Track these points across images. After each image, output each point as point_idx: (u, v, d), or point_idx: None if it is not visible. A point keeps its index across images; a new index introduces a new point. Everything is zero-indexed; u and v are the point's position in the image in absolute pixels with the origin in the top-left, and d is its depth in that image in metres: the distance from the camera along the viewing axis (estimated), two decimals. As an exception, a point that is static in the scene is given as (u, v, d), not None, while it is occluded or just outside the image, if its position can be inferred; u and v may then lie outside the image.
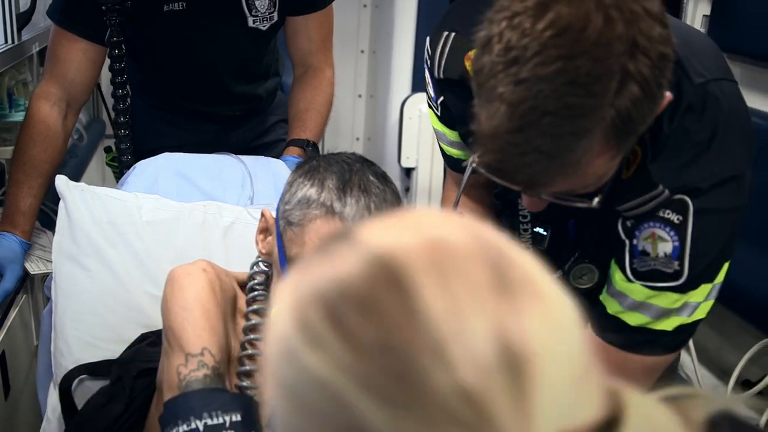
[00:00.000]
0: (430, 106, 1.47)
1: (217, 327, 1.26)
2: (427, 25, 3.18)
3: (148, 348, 1.48)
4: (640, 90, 0.95)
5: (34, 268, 1.82)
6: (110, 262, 1.55)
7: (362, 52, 3.47)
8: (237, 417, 1.17)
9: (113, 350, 1.49)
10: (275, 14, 1.96)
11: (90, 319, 1.52)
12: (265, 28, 1.97)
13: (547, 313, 0.54)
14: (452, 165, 1.52)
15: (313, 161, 1.28)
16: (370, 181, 1.23)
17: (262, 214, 1.33)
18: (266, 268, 1.36)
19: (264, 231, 1.33)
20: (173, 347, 1.24)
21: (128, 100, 1.91)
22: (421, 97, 3.11)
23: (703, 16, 2.15)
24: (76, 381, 1.46)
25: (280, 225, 1.26)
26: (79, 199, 1.59)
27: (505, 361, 0.51)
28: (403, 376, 0.51)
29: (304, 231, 1.21)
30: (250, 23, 1.94)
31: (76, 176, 2.33)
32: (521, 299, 0.53)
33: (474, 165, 1.08)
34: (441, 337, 0.51)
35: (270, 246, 1.31)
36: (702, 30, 2.12)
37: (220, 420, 1.16)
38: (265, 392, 0.60)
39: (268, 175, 1.74)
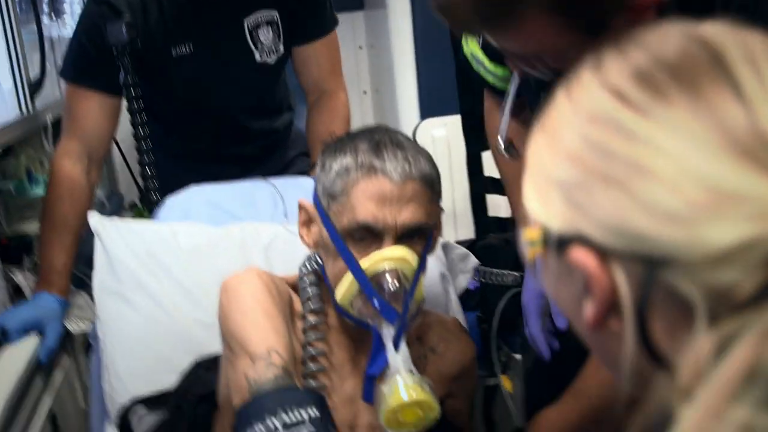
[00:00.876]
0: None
1: (280, 328, 1.21)
2: (426, 59, 3.23)
3: (204, 373, 1.44)
4: None
5: (74, 327, 1.79)
6: (154, 294, 1.52)
7: (365, 92, 3.50)
8: (315, 413, 1.12)
9: (167, 381, 1.45)
10: (281, 46, 1.97)
11: (140, 352, 1.48)
12: (273, 62, 1.98)
13: None
14: (491, 89, 1.54)
15: (334, 141, 1.28)
16: (398, 137, 1.25)
17: (300, 206, 1.31)
18: (315, 266, 1.33)
19: (306, 223, 1.31)
20: (237, 353, 1.19)
21: (151, 152, 1.89)
22: (432, 122, 3.13)
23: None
24: (135, 417, 1.41)
25: (322, 206, 1.25)
26: (115, 233, 1.56)
27: None
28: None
29: (350, 196, 1.21)
30: (258, 58, 1.95)
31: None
32: None
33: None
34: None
35: (316, 234, 1.29)
36: None
37: (298, 417, 1.10)
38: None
39: (298, 192, 1.71)
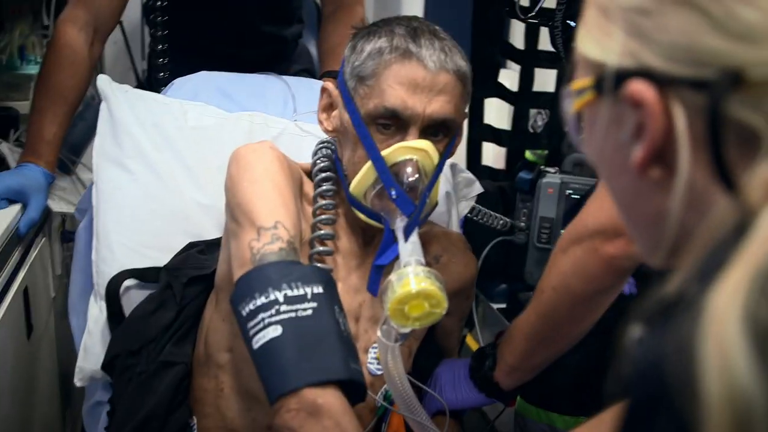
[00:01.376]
0: None
1: (289, 203, 1.17)
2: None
3: (198, 255, 1.38)
4: None
5: (55, 206, 1.71)
6: (156, 166, 1.45)
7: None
8: (318, 289, 1.07)
9: (159, 258, 1.39)
10: None
11: (135, 224, 1.41)
12: None
13: None
14: None
15: (367, 25, 1.23)
16: (436, 27, 1.21)
17: (324, 89, 1.25)
18: (330, 151, 1.28)
19: (327, 108, 1.26)
20: (242, 224, 1.14)
21: (166, 23, 1.81)
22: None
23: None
24: (122, 288, 1.35)
25: (348, 88, 1.20)
26: (123, 99, 1.49)
27: None
28: None
29: (381, 79, 1.16)
30: None
31: (85, 140, 2.23)
32: None
33: None
34: None
35: (336, 119, 1.24)
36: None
37: (301, 291, 1.06)
38: None
39: (310, 94, 1.65)
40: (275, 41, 2.06)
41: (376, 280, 1.21)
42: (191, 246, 1.40)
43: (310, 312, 1.05)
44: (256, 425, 1.24)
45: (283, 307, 1.04)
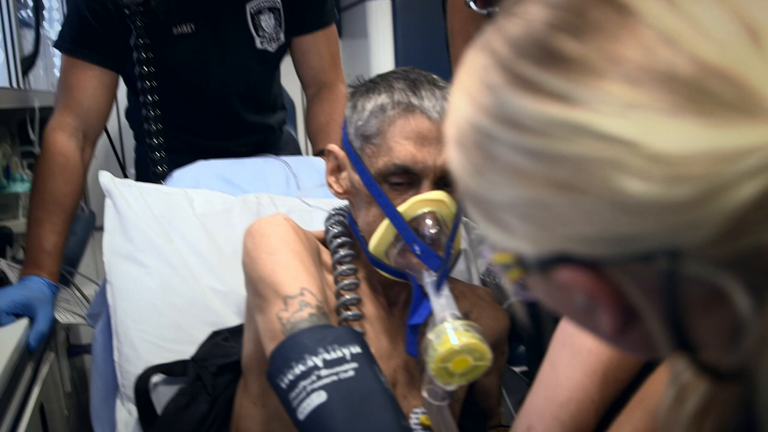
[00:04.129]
0: None
1: (311, 269, 1.13)
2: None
3: (223, 342, 1.33)
4: None
5: (62, 317, 1.66)
6: (169, 258, 1.41)
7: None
8: (357, 349, 1.03)
9: (183, 351, 1.34)
10: (282, 35, 1.94)
11: (155, 319, 1.36)
12: (273, 50, 1.93)
13: None
14: None
15: (364, 83, 1.22)
16: (433, 76, 1.19)
17: (329, 152, 1.23)
18: (342, 218, 1.26)
19: (335, 171, 1.23)
20: (267, 297, 1.10)
21: (159, 121, 1.80)
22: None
23: None
24: (151, 384, 1.30)
25: (355, 149, 1.17)
26: (128, 194, 1.46)
27: (746, 34, 0.45)
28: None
29: (387, 136, 1.13)
30: (258, 44, 1.90)
31: (78, 253, 2.19)
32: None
33: None
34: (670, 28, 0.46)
35: (346, 181, 1.21)
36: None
37: (339, 353, 1.01)
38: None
39: (311, 172, 1.65)
40: (262, 129, 2.06)
41: (413, 340, 1.17)
42: (215, 335, 1.35)
43: (352, 373, 1.00)
44: None
45: (324, 372, 0.99)
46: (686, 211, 0.44)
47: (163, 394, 1.30)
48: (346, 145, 1.20)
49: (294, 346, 1.03)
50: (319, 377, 0.99)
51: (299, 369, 1.00)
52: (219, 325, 1.38)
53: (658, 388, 0.93)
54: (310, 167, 1.65)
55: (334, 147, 1.23)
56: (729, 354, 0.47)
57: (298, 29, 1.97)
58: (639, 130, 0.45)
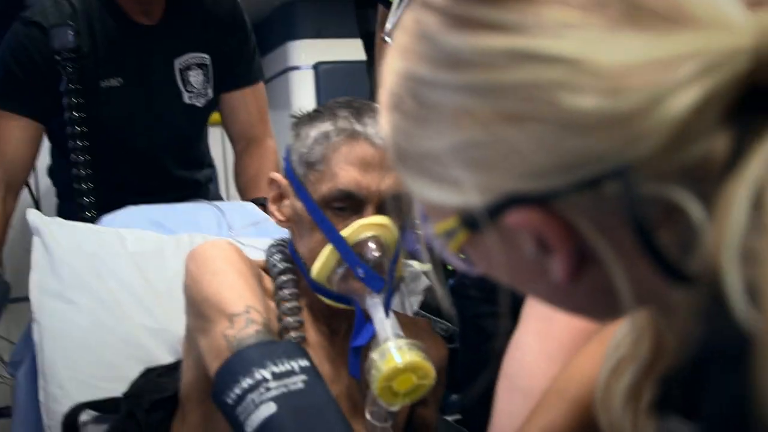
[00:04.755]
0: None
1: (255, 289, 1.12)
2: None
3: (157, 378, 1.29)
4: None
5: None
6: (100, 295, 1.38)
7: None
8: (305, 363, 1.02)
9: (114, 390, 1.29)
10: (210, 90, 1.96)
11: (85, 357, 1.32)
12: (201, 105, 1.95)
13: None
14: None
15: (307, 112, 1.24)
16: (375, 105, 1.20)
17: (272, 180, 1.24)
18: (282, 247, 1.26)
19: (277, 199, 1.24)
20: (211, 317, 1.08)
21: (89, 166, 1.78)
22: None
23: None
24: (80, 423, 1.24)
25: (298, 176, 1.18)
26: (57, 230, 1.42)
27: None
28: None
29: (332, 162, 1.15)
30: (186, 99, 1.92)
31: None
32: None
33: None
34: None
35: (288, 209, 1.22)
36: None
37: (288, 366, 1.00)
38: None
39: (242, 212, 1.65)
40: (190, 185, 2.05)
41: (356, 362, 1.17)
42: (149, 372, 1.31)
43: (301, 385, 0.99)
44: None
45: (273, 384, 0.97)
46: (632, 122, 0.45)
47: (94, 434, 1.25)
48: (288, 173, 1.21)
49: (241, 361, 1.01)
50: (268, 389, 0.97)
51: (247, 383, 0.98)
52: (152, 363, 1.34)
53: (581, 369, 0.90)
54: (240, 208, 1.66)
55: (276, 175, 1.24)
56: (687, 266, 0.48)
57: (226, 85, 2.00)
58: (580, 48, 0.46)
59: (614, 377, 0.67)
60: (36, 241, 1.41)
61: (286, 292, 1.20)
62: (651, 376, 0.62)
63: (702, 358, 0.46)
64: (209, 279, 1.11)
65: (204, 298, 1.10)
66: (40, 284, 1.37)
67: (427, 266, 1.65)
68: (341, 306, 1.18)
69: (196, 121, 2.00)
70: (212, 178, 2.20)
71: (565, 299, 0.57)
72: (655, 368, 0.62)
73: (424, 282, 1.66)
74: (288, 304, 1.19)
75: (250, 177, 1.97)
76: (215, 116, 2.09)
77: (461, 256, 0.58)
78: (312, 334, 1.23)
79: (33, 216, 1.45)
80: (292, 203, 1.21)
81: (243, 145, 2.05)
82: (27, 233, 1.45)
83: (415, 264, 1.65)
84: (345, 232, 1.14)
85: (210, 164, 2.18)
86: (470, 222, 0.52)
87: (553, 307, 0.58)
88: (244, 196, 1.97)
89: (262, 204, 1.90)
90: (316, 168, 1.16)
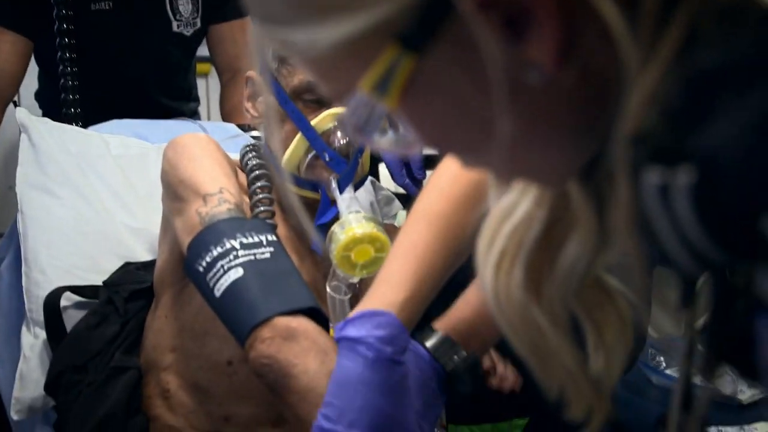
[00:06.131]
0: None
1: (231, 176, 1.19)
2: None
3: (136, 270, 1.35)
4: None
5: None
6: (83, 192, 1.42)
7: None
8: (273, 237, 1.09)
9: (93, 279, 1.34)
10: (198, 20, 2.00)
11: (67, 246, 1.37)
12: (189, 34, 2.00)
13: None
14: None
15: None
16: None
17: (247, 78, 1.29)
18: (255, 147, 1.31)
19: (252, 97, 1.29)
20: (186, 197, 1.15)
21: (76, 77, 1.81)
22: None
23: None
24: (61, 307, 1.29)
25: (271, 70, 1.21)
26: (44, 129, 1.47)
27: None
28: None
29: None
30: (175, 27, 1.96)
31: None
32: None
33: None
34: None
35: (262, 105, 1.26)
36: None
37: (256, 239, 1.07)
38: None
39: (224, 133, 1.68)
40: (175, 114, 2.09)
41: (318, 242, 1.22)
42: (127, 264, 1.36)
43: (268, 255, 1.06)
44: (213, 418, 1.19)
45: (241, 252, 1.04)
46: None
47: (72, 318, 1.30)
48: (263, 69, 1.26)
49: (212, 232, 1.08)
50: (236, 256, 1.04)
51: (217, 251, 1.05)
52: (131, 259, 1.39)
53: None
54: (223, 129, 1.70)
55: (252, 73, 1.29)
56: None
57: (215, 17, 2.04)
58: None
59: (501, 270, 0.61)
60: (23, 138, 1.45)
61: (258, 184, 1.25)
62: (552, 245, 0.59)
63: (703, 86, 0.40)
64: (185, 163, 1.18)
65: (180, 181, 1.16)
66: (25, 177, 1.42)
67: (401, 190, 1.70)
68: (309, 194, 1.22)
69: (184, 50, 2.04)
70: (197, 112, 2.24)
71: (523, 147, 0.47)
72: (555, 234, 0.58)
73: (398, 206, 1.71)
74: (261, 196, 1.25)
75: (234, 105, 2.02)
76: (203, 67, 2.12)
77: (398, 121, 0.50)
78: (281, 228, 1.28)
79: (21, 114, 1.49)
80: (266, 99, 1.25)
81: (228, 76, 2.09)
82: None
83: (389, 187, 1.71)
84: (314, 121, 1.18)
85: (195, 98, 2.22)
86: (411, 34, 0.42)
87: (505, 171, 0.52)
88: (227, 121, 2.02)
89: (244, 129, 1.96)
90: (288, 62, 1.21)
